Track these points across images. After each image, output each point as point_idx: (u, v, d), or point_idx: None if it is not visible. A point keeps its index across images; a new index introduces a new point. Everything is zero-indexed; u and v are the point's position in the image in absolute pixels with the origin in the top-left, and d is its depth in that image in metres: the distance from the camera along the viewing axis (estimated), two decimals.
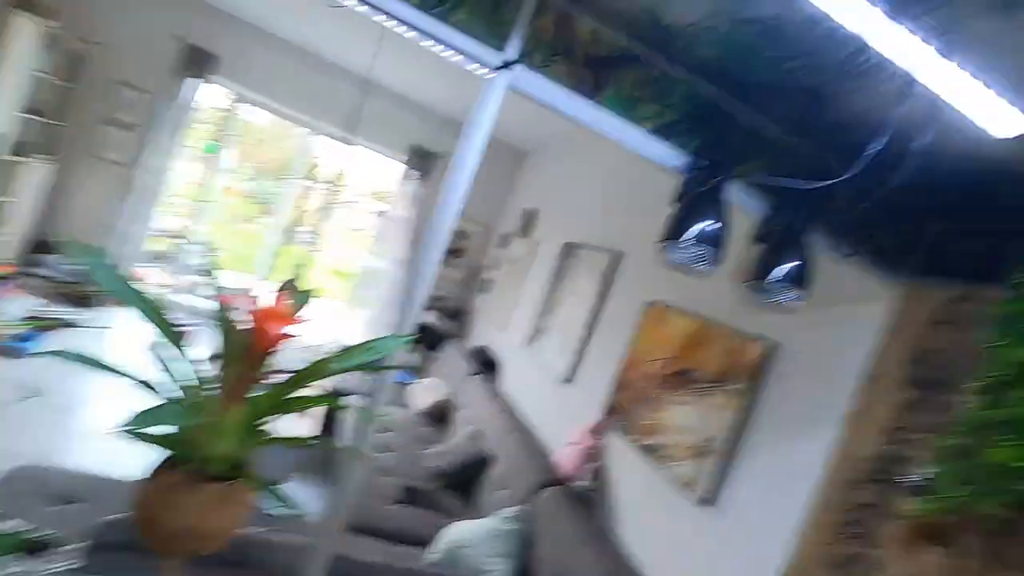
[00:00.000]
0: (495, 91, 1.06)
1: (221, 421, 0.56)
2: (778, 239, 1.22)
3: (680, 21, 1.01)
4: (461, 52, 1.05)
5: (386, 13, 0.99)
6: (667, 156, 1.20)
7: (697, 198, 1.14)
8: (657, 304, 2.48)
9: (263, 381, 0.60)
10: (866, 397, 1.40)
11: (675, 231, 1.14)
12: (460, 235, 5.25)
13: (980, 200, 1.19)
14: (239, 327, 0.60)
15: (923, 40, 0.74)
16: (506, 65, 1.07)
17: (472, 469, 2.88)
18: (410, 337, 0.82)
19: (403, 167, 5.01)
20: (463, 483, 2.90)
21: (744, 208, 1.26)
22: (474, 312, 5.15)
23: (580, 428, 2.64)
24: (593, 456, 2.51)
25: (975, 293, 1.22)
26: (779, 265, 1.19)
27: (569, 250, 3.59)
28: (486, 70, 1.06)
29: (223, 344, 0.58)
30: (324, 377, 0.65)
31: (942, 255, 1.34)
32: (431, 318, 4.99)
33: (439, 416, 3.74)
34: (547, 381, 3.28)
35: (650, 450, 2.17)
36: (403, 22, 1.00)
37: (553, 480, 2.45)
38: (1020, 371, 1.01)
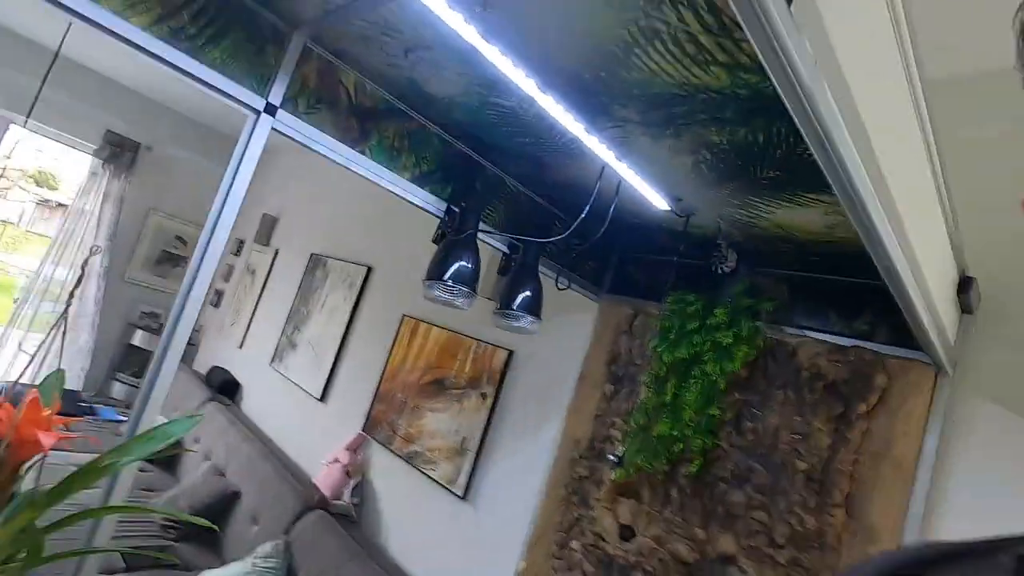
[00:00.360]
0: (257, 134, 1.05)
1: None
2: (516, 272, 1.48)
3: (440, 91, 1.15)
4: (218, 92, 1.00)
5: (130, 43, 0.89)
6: (428, 201, 1.34)
7: (453, 242, 1.31)
8: (411, 317, 2.63)
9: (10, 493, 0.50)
10: (580, 392, 1.78)
11: (436, 271, 1.29)
12: (178, 240, 4.57)
13: (645, 243, 1.65)
14: None
15: (607, 146, 1.04)
16: (269, 109, 1.06)
17: (218, 510, 2.60)
18: (199, 417, 0.76)
19: (93, 156, 4.09)
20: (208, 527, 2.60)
21: (491, 245, 1.48)
22: (201, 329, 4.54)
23: (337, 446, 2.63)
24: (353, 473, 2.53)
25: (644, 308, 1.69)
26: (518, 294, 1.44)
27: (316, 262, 3.49)
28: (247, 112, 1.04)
29: None
30: (105, 476, 0.57)
31: (623, 279, 1.80)
32: (139, 339, 4.23)
33: (167, 455, 3.24)
34: (299, 400, 3.15)
35: (413, 456, 2.32)
36: (152, 55, 0.91)
37: (312, 505, 2.40)
38: (671, 368, 1.45)
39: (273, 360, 3.47)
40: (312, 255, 3.55)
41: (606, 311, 1.80)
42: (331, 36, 1.08)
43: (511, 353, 2.12)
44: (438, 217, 1.38)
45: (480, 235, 1.37)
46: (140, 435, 0.62)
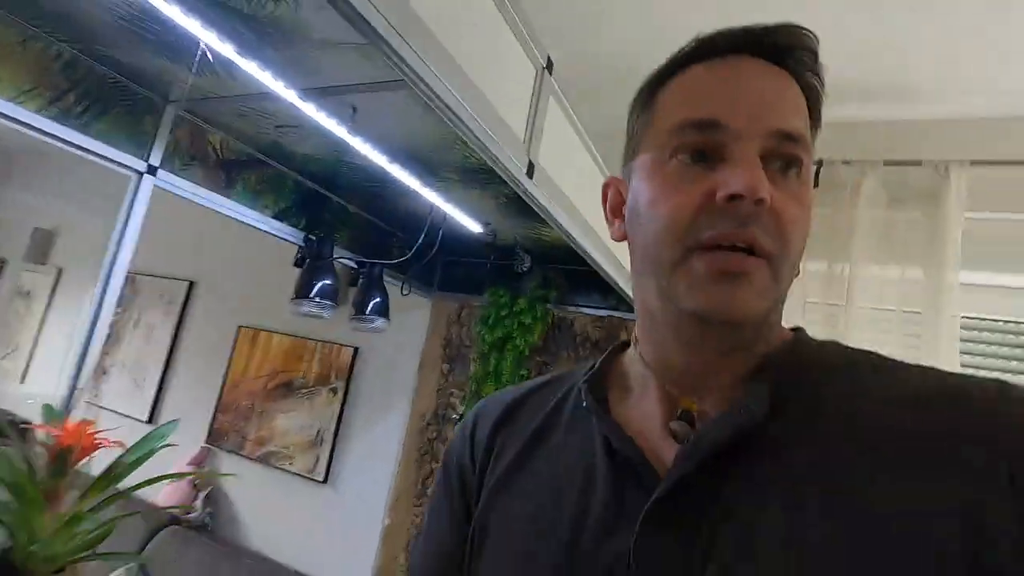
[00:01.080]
0: (141, 194, 1.23)
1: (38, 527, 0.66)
2: (365, 283, 1.82)
3: (300, 150, 1.44)
4: (106, 159, 1.16)
5: (25, 125, 1.03)
6: (287, 233, 1.61)
7: (315, 266, 1.60)
8: (249, 328, 2.74)
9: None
10: (421, 374, 2.19)
11: (303, 290, 1.58)
12: None
13: (465, 250, 2.11)
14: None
15: (436, 193, 1.45)
16: (151, 170, 1.24)
17: None
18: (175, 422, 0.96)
19: None
20: None
21: (344, 263, 1.80)
22: None
23: (180, 464, 2.64)
24: (201, 485, 2.59)
25: (467, 302, 2.15)
26: (371, 301, 1.79)
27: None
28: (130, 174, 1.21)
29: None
30: (126, 475, 0.78)
31: (449, 279, 2.25)
32: None
33: None
34: (121, 425, 2.98)
35: (268, 456, 2.48)
36: (45, 133, 1.06)
37: (163, 523, 2.42)
38: (492, 345, 1.94)
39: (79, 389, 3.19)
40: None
41: (438, 306, 2.22)
42: (201, 108, 1.29)
43: (356, 349, 2.42)
44: (296, 244, 1.65)
45: (340, 260, 1.68)
46: (144, 437, 0.84)
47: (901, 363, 0.42)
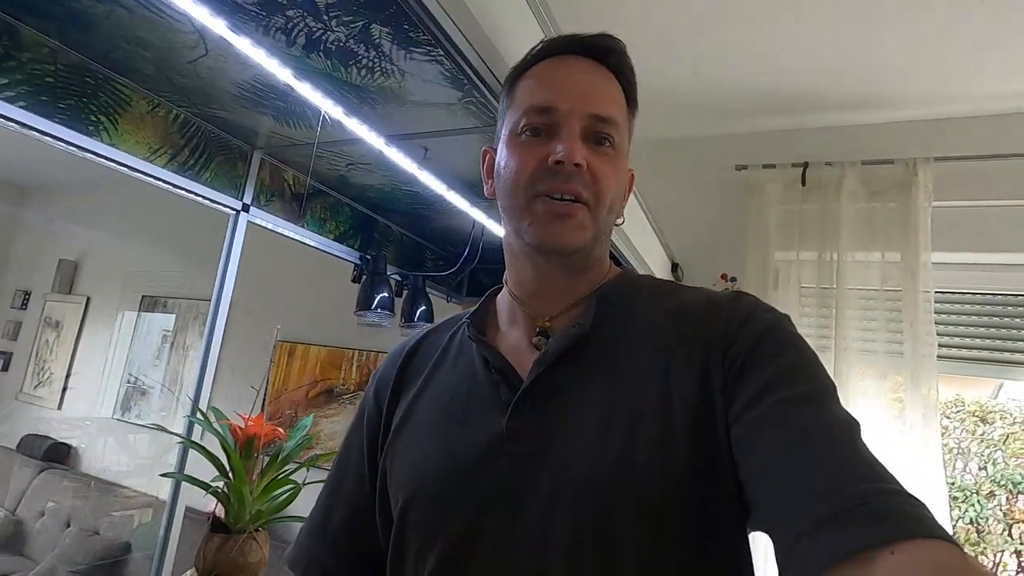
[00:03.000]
0: (239, 228, 1.44)
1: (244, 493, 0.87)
2: (411, 294, 2.03)
3: (360, 181, 1.65)
4: (211, 201, 1.37)
5: (157, 179, 1.23)
6: (345, 252, 1.81)
7: (372, 280, 1.81)
8: (286, 341, 2.93)
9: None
10: None
11: (364, 303, 1.78)
12: None
13: (491, 258, 2.32)
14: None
15: (483, 213, 1.67)
16: (244, 208, 1.45)
17: (109, 565, 2.60)
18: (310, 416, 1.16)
19: None
20: None
21: (392, 276, 2.01)
22: None
23: None
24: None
25: None
26: (417, 309, 2.00)
27: (154, 303, 3.44)
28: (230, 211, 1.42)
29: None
30: (294, 456, 0.99)
31: (476, 284, 2.46)
32: None
33: None
34: (165, 441, 3.16)
35: (314, 460, 2.67)
36: (171, 184, 1.26)
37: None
38: None
39: (117, 412, 3.36)
40: (144, 297, 3.48)
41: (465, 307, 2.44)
42: (281, 151, 1.50)
43: None
44: (352, 262, 1.86)
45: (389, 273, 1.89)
46: (293, 431, 1.04)
47: (684, 286, 0.63)
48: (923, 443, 1.69)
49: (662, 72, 1.82)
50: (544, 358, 0.56)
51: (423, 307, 2.01)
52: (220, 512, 0.86)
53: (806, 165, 1.98)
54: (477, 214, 1.67)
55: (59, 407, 3.63)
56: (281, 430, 1.01)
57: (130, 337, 3.46)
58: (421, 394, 0.63)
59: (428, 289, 2.11)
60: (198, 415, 1.03)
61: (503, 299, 0.66)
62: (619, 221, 0.62)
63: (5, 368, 3.98)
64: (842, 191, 1.92)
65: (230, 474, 0.86)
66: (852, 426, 0.45)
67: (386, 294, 1.81)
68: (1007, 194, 1.78)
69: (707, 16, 1.56)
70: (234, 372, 3.09)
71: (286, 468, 0.97)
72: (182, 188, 1.28)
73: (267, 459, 0.94)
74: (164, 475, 1.18)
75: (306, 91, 1.03)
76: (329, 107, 1.08)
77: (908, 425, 1.72)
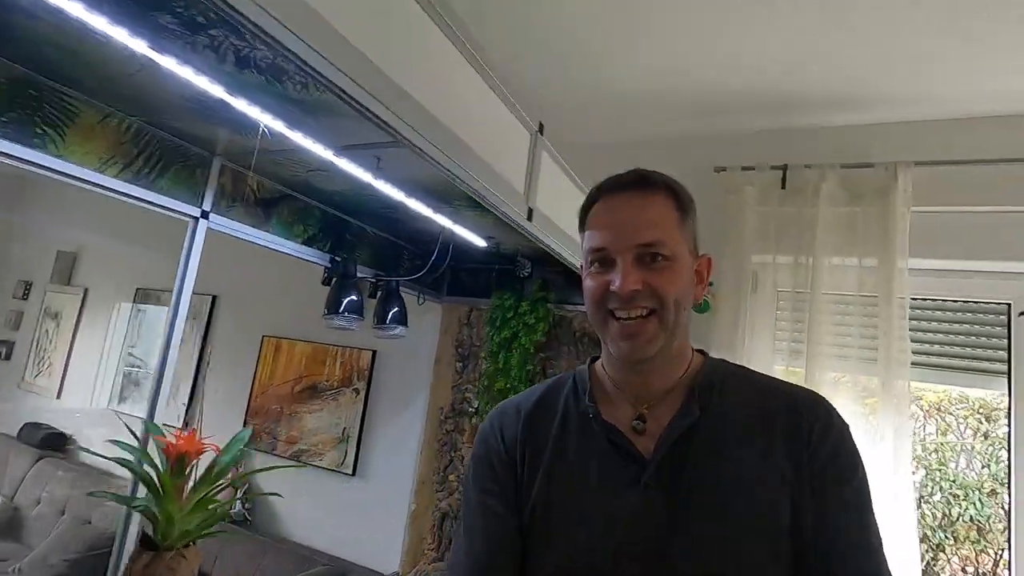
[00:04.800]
0: (198, 235, 1.44)
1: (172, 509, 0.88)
2: (384, 295, 2.04)
3: (327, 187, 1.64)
4: (169, 210, 1.37)
5: (108, 189, 1.23)
6: (314, 256, 1.82)
7: (341, 284, 1.82)
8: (272, 337, 2.95)
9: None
10: (437, 372, 2.42)
11: (333, 305, 1.79)
12: None
13: (472, 259, 2.32)
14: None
15: (447, 218, 1.66)
16: (204, 215, 1.45)
17: (102, 556, 2.66)
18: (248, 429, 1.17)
19: None
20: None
21: (366, 278, 2.01)
22: None
23: None
24: (238, 484, 2.82)
25: (475, 305, 2.37)
26: (390, 311, 2.00)
27: (147, 296, 3.48)
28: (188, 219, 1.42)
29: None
30: (227, 471, 1.00)
31: (458, 285, 2.46)
32: None
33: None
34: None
35: (299, 454, 2.72)
36: (123, 195, 1.26)
37: None
38: (500, 344, 2.16)
39: (113, 402, 3.42)
40: (139, 289, 3.52)
41: (448, 310, 2.44)
42: (242, 158, 1.50)
43: (375, 352, 2.64)
44: (324, 265, 1.86)
45: (359, 275, 1.89)
46: (231, 441, 1.06)
47: (762, 375, 0.76)
48: (894, 451, 1.67)
49: (641, 72, 1.78)
50: (666, 439, 0.68)
51: (396, 308, 2.01)
52: (149, 529, 0.88)
53: (785, 167, 1.94)
54: (442, 220, 1.66)
55: (58, 396, 3.71)
56: (216, 445, 1.03)
57: (125, 328, 3.51)
58: (559, 458, 0.73)
59: (403, 290, 2.11)
60: (121, 440, 1.04)
61: (602, 377, 0.78)
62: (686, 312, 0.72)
63: (8, 357, 4.07)
64: (821, 194, 1.88)
65: (160, 490, 0.88)
66: (881, 544, 0.65)
67: (355, 297, 1.82)
68: (986, 200, 1.74)
69: (686, 16, 1.52)
70: (223, 366, 3.14)
71: (219, 483, 0.98)
72: (134, 197, 1.29)
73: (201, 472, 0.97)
74: (90, 494, 1.20)
75: (242, 106, 1.02)
76: (269, 120, 1.07)
77: (880, 436, 1.70)
